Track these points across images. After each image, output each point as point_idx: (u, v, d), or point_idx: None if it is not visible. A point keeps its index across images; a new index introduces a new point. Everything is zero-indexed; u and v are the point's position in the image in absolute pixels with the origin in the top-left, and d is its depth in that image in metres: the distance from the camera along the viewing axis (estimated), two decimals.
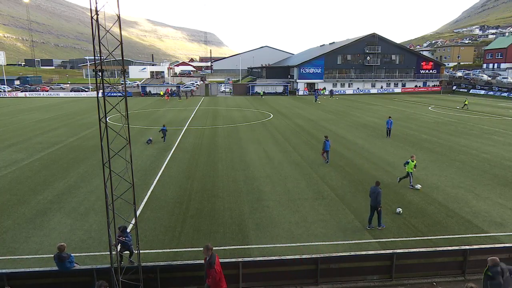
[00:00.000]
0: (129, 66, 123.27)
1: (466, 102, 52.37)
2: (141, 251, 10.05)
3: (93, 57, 8.60)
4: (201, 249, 11.63)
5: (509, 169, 20.60)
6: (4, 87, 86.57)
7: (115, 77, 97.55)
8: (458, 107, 52.90)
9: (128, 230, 11.05)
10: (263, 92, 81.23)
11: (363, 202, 15.63)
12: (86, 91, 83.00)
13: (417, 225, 13.42)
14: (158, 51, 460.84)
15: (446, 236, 12.50)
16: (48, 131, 33.73)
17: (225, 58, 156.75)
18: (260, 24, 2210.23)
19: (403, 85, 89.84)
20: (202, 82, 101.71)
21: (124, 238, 10.22)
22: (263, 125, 37.57)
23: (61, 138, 30.00)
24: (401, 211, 14.35)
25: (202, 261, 10.06)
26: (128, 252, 10.56)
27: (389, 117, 30.49)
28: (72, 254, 9.44)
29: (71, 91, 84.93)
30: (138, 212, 14.10)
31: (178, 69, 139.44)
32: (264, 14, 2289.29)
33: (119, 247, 10.07)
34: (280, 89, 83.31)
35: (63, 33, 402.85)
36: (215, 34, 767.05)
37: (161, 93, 77.38)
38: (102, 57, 7.60)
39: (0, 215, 14.32)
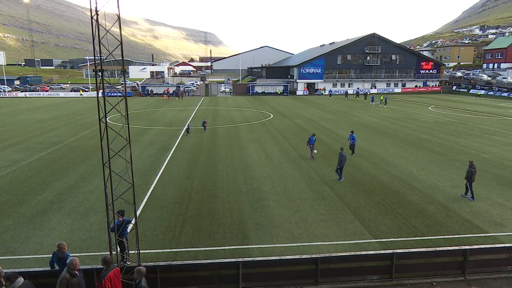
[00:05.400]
0: (129, 66, 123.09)
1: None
2: (141, 251, 10.05)
3: (93, 57, 8.60)
4: (202, 249, 11.70)
5: (509, 169, 20.59)
6: (4, 87, 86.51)
7: (115, 77, 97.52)
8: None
9: (128, 230, 11.01)
10: (281, 91, 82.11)
11: (363, 202, 15.64)
12: (86, 91, 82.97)
13: (417, 225, 13.42)
14: (157, 51, 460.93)
15: (446, 236, 12.50)
16: (48, 131, 33.73)
17: (225, 58, 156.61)
18: (260, 24, 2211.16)
19: (403, 85, 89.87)
20: (202, 82, 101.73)
21: (120, 218, 10.00)
22: (263, 125, 37.57)
23: (61, 138, 30.00)
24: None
25: (202, 261, 10.09)
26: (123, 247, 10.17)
27: (352, 131, 25.00)
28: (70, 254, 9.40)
29: (71, 91, 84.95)
30: (138, 212, 14.10)
31: (178, 69, 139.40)
32: (264, 14, 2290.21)
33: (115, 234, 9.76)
34: (280, 89, 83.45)
35: (63, 33, 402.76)
36: (214, 34, 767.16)
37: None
38: (102, 57, 7.60)
39: (0, 215, 14.32)
